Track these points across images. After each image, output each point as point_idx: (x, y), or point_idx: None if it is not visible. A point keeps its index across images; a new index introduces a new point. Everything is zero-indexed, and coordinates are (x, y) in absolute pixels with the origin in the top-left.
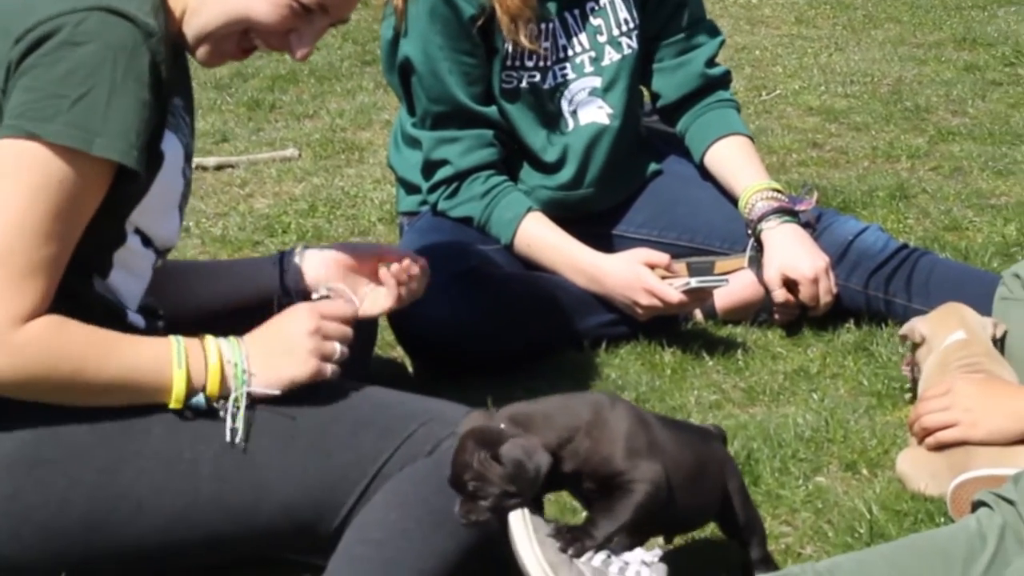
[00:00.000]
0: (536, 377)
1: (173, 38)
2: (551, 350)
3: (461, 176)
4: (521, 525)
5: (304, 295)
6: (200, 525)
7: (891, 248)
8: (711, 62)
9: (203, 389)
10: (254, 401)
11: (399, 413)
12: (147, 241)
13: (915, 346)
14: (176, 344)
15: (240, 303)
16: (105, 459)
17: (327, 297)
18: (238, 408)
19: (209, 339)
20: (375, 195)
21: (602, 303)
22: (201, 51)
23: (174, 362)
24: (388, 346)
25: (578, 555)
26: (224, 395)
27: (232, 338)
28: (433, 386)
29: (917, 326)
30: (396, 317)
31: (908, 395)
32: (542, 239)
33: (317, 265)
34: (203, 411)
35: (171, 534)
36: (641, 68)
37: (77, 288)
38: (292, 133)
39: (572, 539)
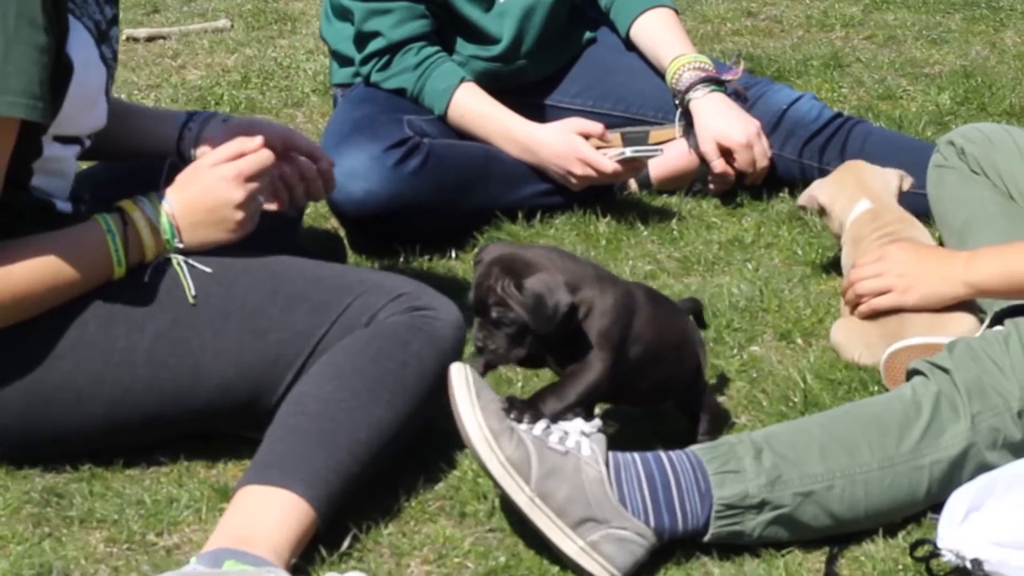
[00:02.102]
0: (471, 248)
1: None
2: (486, 220)
3: (393, 48)
4: (464, 390)
5: None
6: (139, 409)
7: (825, 117)
8: None
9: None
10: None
11: (333, 286)
12: (70, 139)
13: (820, 213)
14: (111, 241)
15: (141, 156)
16: (40, 355)
17: None
18: (180, 268)
19: (139, 218)
20: (308, 66)
21: (536, 173)
22: None
23: (114, 261)
24: (322, 218)
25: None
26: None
27: (156, 203)
28: (367, 256)
29: (815, 194)
30: None
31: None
32: (476, 109)
33: (213, 140)
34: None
35: (110, 419)
36: None
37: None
38: (224, 4)
39: (522, 410)
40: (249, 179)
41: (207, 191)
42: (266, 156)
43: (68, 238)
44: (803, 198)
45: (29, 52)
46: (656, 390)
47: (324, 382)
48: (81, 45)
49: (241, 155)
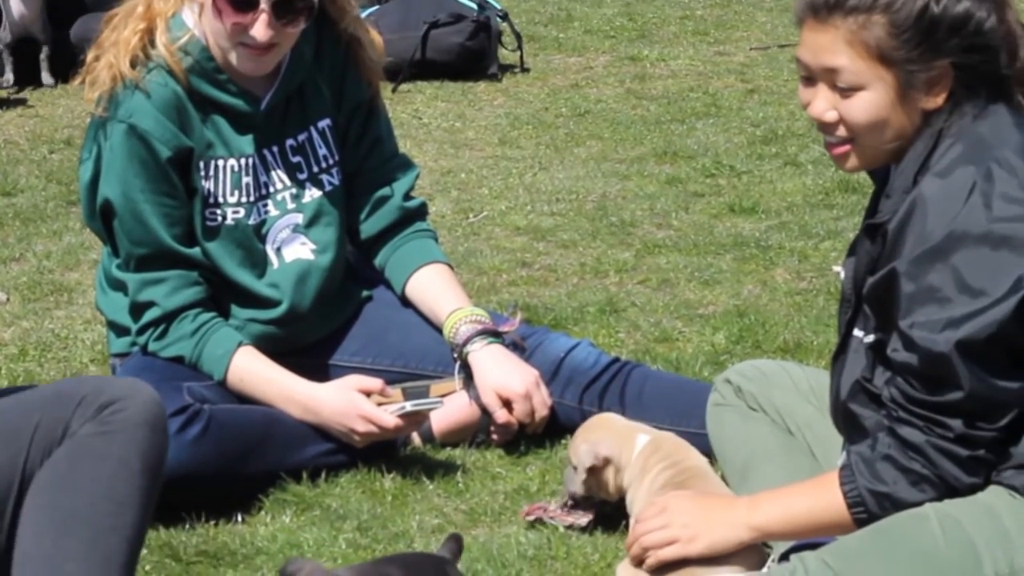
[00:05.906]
0: (256, 511)
1: None
2: (271, 483)
3: (169, 317)
4: None
5: None
6: None
7: (603, 363)
8: (407, 195)
9: None
10: None
11: (17, 412)
12: None
13: (600, 469)
14: None
15: None
16: None
17: None
18: None
19: None
20: (86, 336)
21: (319, 433)
22: None
23: None
24: None
25: None
26: None
27: None
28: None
29: (598, 450)
30: None
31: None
32: (255, 373)
33: None
34: None
35: None
36: (346, 202)
37: None
38: None
39: None
40: None
41: None
42: None
43: None
44: (585, 458)
45: None
46: None
47: (42, 537)
48: None
49: None
